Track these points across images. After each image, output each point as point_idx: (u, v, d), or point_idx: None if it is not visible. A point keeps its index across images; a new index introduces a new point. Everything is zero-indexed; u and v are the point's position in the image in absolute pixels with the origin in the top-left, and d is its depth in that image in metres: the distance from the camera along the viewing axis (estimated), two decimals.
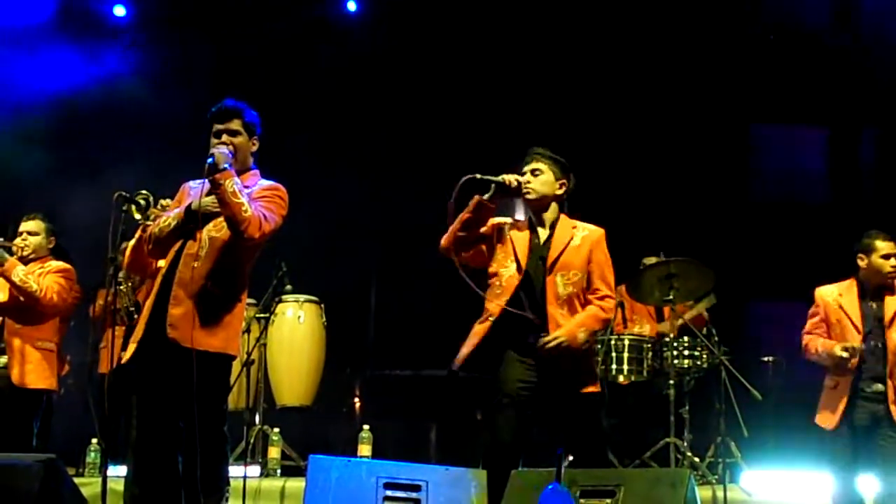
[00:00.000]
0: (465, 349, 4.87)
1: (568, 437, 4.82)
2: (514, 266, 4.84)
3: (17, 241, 6.12)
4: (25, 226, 6.17)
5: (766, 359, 7.37)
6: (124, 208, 4.96)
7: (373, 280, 9.75)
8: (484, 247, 4.94)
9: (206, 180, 4.52)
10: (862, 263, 5.60)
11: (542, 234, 4.92)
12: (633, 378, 6.82)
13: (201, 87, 8.69)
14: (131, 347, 4.61)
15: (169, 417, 4.51)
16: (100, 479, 5.10)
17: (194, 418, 4.39)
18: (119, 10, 9.47)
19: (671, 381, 6.64)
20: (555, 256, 4.84)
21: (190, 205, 4.59)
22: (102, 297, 7.21)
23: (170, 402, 4.48)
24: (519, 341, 4.81)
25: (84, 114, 8.98)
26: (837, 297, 5.63)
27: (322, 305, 7.35)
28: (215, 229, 4.57)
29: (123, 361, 4.64)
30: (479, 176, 4.74)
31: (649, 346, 6.92)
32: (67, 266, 6.14)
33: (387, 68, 9.18)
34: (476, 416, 9.42)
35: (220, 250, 4.56)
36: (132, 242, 5.37)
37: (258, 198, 4.61)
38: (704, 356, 6.80)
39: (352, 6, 9.52)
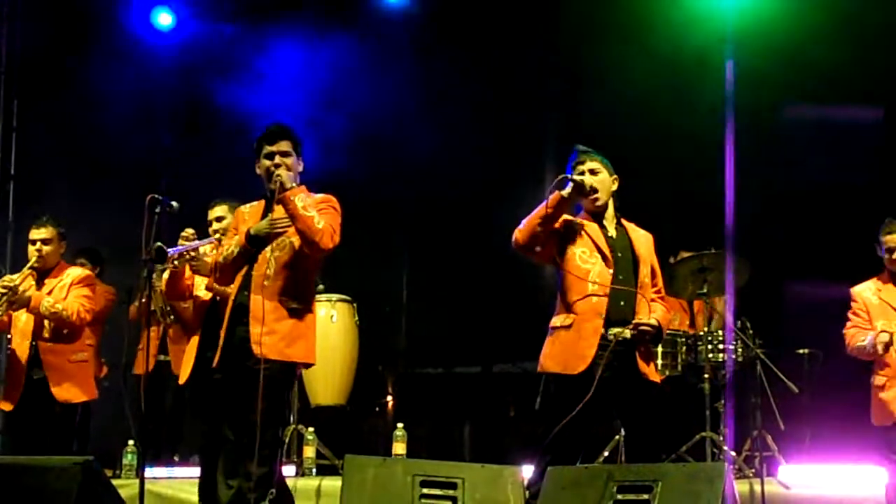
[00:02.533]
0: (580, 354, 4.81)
1: (628, 424, 4.96)
2: (600, 261, 4.87)
3: (31, 251, 6.02)
4: (37, 233, 6.05)
5: (801, 351, 7.30)
6: (157, 210, 5.00)
7: (404, 278, 9.75)
8: (555, 245, 4.97)
9: (271, 199, 4.83)
10: (880, 254, 5.62)
11: (611, 228, 5.00)
12: (667, 373, 6.76)
13: None
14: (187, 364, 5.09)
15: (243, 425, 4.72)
16: (137, 481, 5.14)
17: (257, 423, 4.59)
18: None
19: (706, 376, 6.60)
20: (638, 248, 4.97)
21: (249, 230, 4.83)
22: (136, 305, 7.29)
23: (244, 411, 4.70)
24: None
25: None
26: (876, 291, 5.64)
27: (354, 305, 7.35)
28: (279, 248, 4.81)
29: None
30: (568, 177, 4.83)
31: (683, 340, 6.87)
32: (86, 273, 6.17)
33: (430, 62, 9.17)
34: (509, 413, 9.45)
35: (288, 267, 4.80)
36: (166, 276, 5.42)
37: (318, 210, 4.80)
38: (739, 350, 6.74)
39: None
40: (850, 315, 5.72)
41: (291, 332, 4.76)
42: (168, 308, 6.71)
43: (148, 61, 9.25)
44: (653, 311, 4.89)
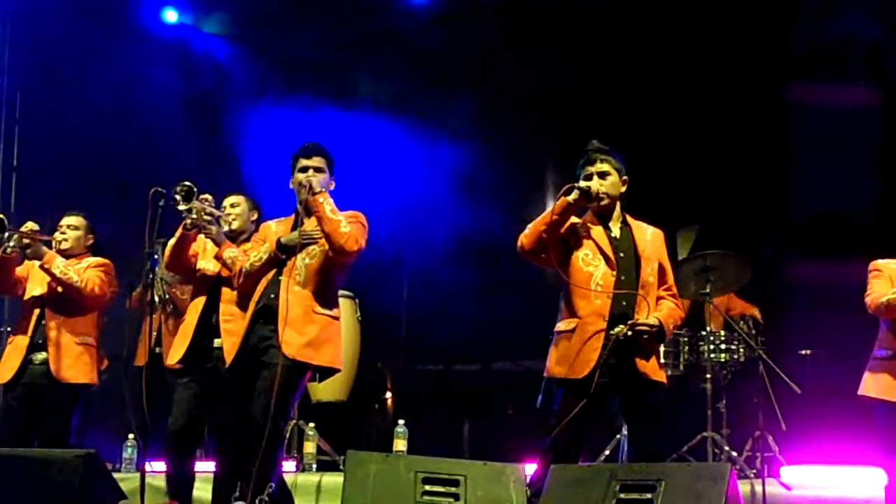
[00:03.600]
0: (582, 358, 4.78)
1: (631, 424, 4.93)
2: (603, 263, 4.85)
3: (57, 234, 6.09)
4: (67, 220, 6.15)
5: (804, 352, 7.30)
6: (160, 203, 5.01)
7: (404, 275, 9.73)
8: (560, 248, 4.93)
9: (301, 207, 5.05)
10: None
11: (616, 229, 4.97)
12: (669, 372, 6.76)
13: None
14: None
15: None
16: (137, 475, 5.13)
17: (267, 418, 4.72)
18: None
19: (708, 375, 6.60)
20: (642, 247, 4.93)
21: (280, 238, 5.03)
22: (139, 292, 7.27)
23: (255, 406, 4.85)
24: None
25: None
26: None
27: (356, 301, 7.34)
28: (308, 257, 5.01)
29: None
30: (575, 186, 4.83)
31: (686, 339, 6.87)
32: (106, 261, 6.13)
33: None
34: (508, 410, 9.44)
35: (317, 274, 4.99)
36: (172, 241, 5.44)
37: (347, 222, 5.00)
38: (741, 350, 6.74)
39: None
40: (871, 281, 5.45)
41: (319, 336, 4.92)
42: (167, 297, 6.71)
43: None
44: (658, 309, 4.86)
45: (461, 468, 4.69)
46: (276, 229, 5.17)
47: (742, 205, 8.17)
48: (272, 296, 4.95)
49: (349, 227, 4.94)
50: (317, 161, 5.14)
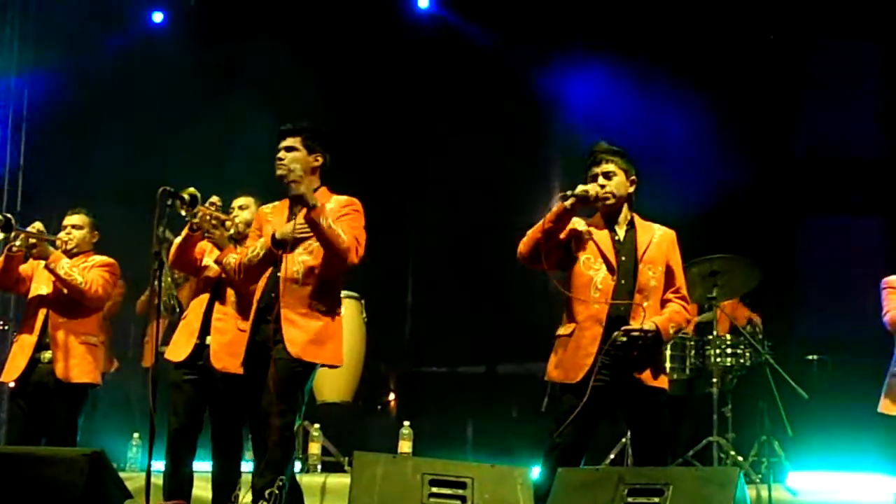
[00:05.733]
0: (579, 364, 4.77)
1: (632, 429, 4.92)
2: (604, 268, 4.80)
3: (62, 234, 6.08)
4: (70, 219, 6.14)
5: (811, 357, 7.28)
6: (168, 203, 4.99)
7: (409, 276, 9.73)
8: (561, 252, 4.90)
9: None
10: None
11: (621, 231, 4.91)
12: (675, 376, 6.75)
13: None
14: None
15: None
16: (142, 474, 5.11)
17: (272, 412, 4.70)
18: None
19: (714, 380, 6.58)
20: (643, 249, 4.84)
21: (274, 233, 4.85)
22: (145, 297, 7.27)
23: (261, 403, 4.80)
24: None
25: None
26: None
27: (362, 301, 7.33)
28: (306, 252, 4.83)
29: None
30: (569, 193, 4.75)
31: (692, 343, 6.85)
32: (111, 260, 6.12)
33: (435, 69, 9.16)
34: (512, 413, 9.44)
35: (318, 272, 4.82)
36: (178, 240, 5.44)
37: (341, 216, 4.85)
38: (748, 354, 6.72)
39: None
40: (886, 298, 5.51)
41: (320, 333, 4.81)
42: (173, 303, 6.71)
43: None
44: (660, 312, 4.79)
45: (469, 470, 4.67)
46: (272, 218, 4.99)
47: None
48: (273, 294, 4.82)
49: (347, 238, 4.76)
50: (289, 141, 4.94)
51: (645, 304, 4.77)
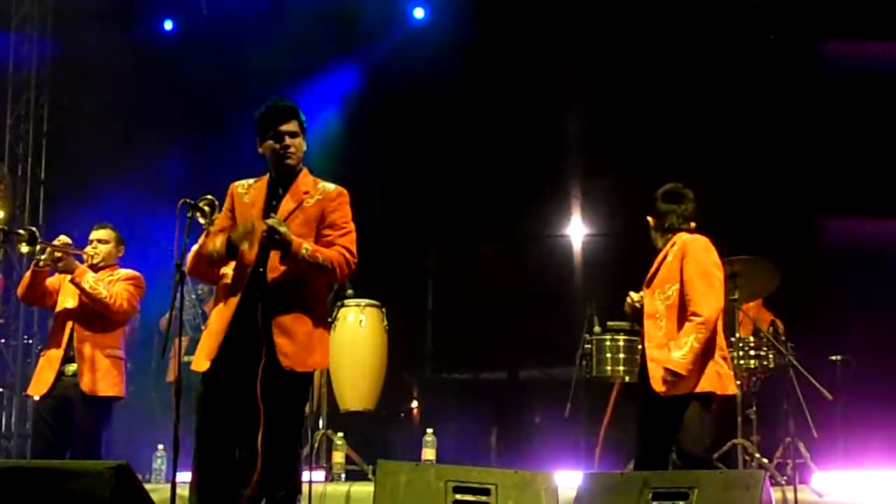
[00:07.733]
0: None
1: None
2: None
3: (88, 248, 6.15)
4: (96, 234, 6.20)
5: (834, 358, 7.24)
6: (189, 215, 4.99)
7: (429, 283, 9.74)
8: None
9: (276, 181, 4.60)
10: None
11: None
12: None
13: None
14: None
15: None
16: (168, 486, 5.12)
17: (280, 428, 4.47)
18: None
19: (737, 382, 6.54)
20: (662, 269, 5.14)
21: (230, 237, 4.54)
22: (169, 315, 7.27)
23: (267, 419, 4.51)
24: None
25: None
26: None
27: (383, 309, 7.34)
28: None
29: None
30: None
31: None
32: (136, 274, 6.16)
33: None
34: (534, 419, 9.43)
35: (306, 281, 4.54)
36: (195, 248, 5.42)
37: (330, 212, 4.57)
38: (771, 356, 6.68)
39: None
40: None
41: (309, 339, 4.52)
42: (199, 321, 6.73)
43: None
44: (677, 341, 4.95)
45: (492, 477, 4.68)
46: (247, 199, 4.62)
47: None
48: (256, 293, 4.49)
49: (334, 262, 4.47)
50: (292, 125, 4.55)
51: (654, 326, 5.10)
